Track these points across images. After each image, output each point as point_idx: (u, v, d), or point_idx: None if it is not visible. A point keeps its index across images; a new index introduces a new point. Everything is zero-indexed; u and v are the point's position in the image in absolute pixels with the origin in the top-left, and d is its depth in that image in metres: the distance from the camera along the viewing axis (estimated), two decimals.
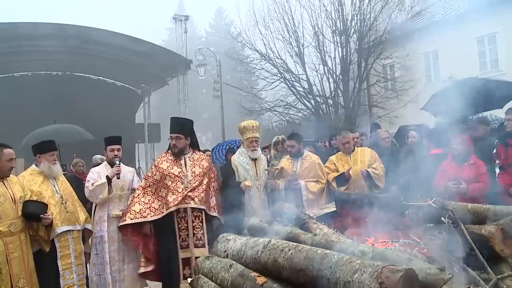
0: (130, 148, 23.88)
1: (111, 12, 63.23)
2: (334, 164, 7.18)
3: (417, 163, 5.88)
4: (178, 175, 5.73)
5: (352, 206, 4.26)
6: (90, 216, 6.00)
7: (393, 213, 3.92)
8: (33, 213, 4.85)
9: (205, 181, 5.81)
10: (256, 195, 6.07)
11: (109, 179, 5.86)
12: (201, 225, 5.64)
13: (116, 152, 6.05)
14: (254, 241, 3.45)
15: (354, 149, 7.24)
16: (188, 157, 5.91)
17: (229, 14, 47.02)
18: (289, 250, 3.04)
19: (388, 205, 4.04)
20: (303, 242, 3.39)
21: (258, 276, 3.09)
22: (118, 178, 5.96)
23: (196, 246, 5.58)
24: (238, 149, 6.44)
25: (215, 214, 5.83)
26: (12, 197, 4.76)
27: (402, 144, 7.86)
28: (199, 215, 5.66)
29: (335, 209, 4.90)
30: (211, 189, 5.98)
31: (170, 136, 5.88)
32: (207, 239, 5.58)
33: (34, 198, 5.10)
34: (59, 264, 5.29)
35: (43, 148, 5.55)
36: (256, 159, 6.26)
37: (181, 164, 5.83)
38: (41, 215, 4.89)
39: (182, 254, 5.55)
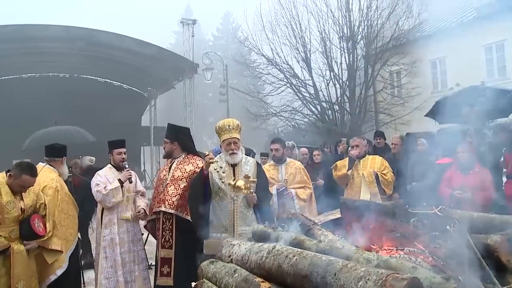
0: (135, 151, 23.99)
1: (118, 15, 63.51)
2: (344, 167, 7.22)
3: (424, 171, 5.87)
4: (162, 178, 5.87)
5: (358, 213, 4.24)
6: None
7: (398, 221, 3.90)
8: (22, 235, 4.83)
9: (183, 185, 5.69)
10: (229, 208, 5.16)
11: (121, 183, 5.93)
12: (170, 227, 5.67)
13: (123, 156, 6.11)
14: (259, 247, 3.44)
15: (365, 155, 7.23)
16: (177, 161, 5.91)
17: (236, 18, 47.28)
18: (294, 256, 3.03)
19: (393, 213, 4.02)
20: (307, 249, 3.37)
21: (262, 281, 3.08)
22: (131, 182, 6.12)
23: (163, 247, 5.67)
24: (219, 154, 5.62)
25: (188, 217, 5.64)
26: (22, 207, 4.75)
27: (409, 151, 7.83)
28: (170, 218, 5.68)
29: (340, 215, 4.88)
30: None
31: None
32: (175, 242, 5.64)
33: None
34: None
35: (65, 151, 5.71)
36: (235, 165, 5.31)
37: (168, 168, 5.93)
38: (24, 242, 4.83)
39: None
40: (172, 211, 5.63)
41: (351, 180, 7.09)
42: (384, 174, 6.98)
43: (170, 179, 5.74)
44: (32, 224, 4.82)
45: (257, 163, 5.54)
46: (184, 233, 5.57)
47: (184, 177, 5.72)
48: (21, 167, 4.70)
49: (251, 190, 5.04)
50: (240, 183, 4.98)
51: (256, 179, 5.20)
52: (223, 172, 5.24)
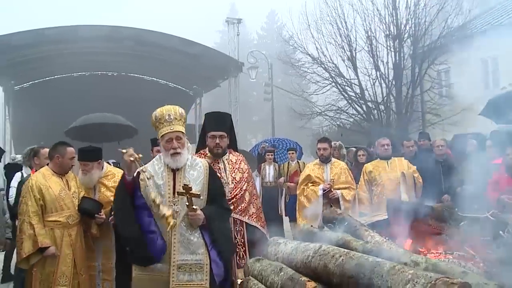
0: None
1: (165, 15, 64.59)
2: (370, 173, 7.11)
3: (475, 173, 5.70)
4: None
5: (405, 214, 4.18)
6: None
7: (448, 224, 3.83)
8: (89, 210, 5.02)
9: (244, 187, 4.93)
10: (166, 229, 3.86)
11: None
12: (243, 241, 4.84)
13: None
14: (305, 246, 3.46)
15: (391, 157, 7.17)
16: (226, 159, 5.02)
17: (281, 17, 47.10)
18: (340, 256, 3.03)
19: (442, 215, 3.95)
20: (354, 249, 3.36)
21: (308, 281, 3.09)
22: None
23: (238, 267, 4.76)
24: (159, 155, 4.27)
25: (254, 223, 4.93)
26: (69, 191, 4.98)
27: (457, 153, 7.65)
28: (241, 230, 4.85)
29: (386, 217, 4.83)
30: (251, 195, 5.04)
31: (212, 135, 4.95)
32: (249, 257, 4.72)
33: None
34: None
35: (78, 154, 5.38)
36: (177, 169, 4.07)
37: (219, 168, 4.91)
38: (96, 215, 5.06)
39: None
40: (246, 220, 4.89)
41: (376, 183, 7.04)
42: (417, 178, 6.92)
43: (232, 182, 4.91)
44: (90, 197, 5.12)
45: (210, 167, 4.28)
46: (255, 244, 4.73)
47: (245, 178, 5.00)
48: (60, 144, 5.04)
49: (195, 207, 3.85)
50: (167, 212, 3.76)
51: (200, 193, 3.90)
52: (161, 178, 4.05)
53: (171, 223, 3.70)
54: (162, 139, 4.04)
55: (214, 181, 4.19)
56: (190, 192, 3.76)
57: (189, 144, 4.38)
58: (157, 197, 3.80)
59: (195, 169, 4.12)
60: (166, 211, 3.72)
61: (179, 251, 3.90)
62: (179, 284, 3.85)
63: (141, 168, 3.96)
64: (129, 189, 3.93)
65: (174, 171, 4.05)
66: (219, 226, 4.05)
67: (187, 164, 4.09)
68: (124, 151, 3.91)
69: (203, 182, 4.08)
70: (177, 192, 3.92)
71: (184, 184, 3.81)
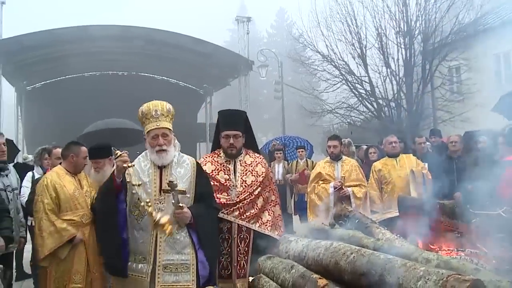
0: (191, 147, 24.44)
1: (174, 13, 64.77)
2: (379, 171, 7.07)
3: (487, 169, 5.66)
4: (224, 184, 4.59)
5: (416, 211, 4.17)
6: None
7: (459, 221, 3.81)
8: None
9: (256, 192, 4.61)
10: (152, 228, 3.74)
11: None
12: (246, 250, 4.52)
13: None
14: (316, 243, 3.46)
15: (399, 154, 7.15)
16: (240, 160, 4.72)
17: (291, 15, 46.95)
18: (351, 253, 3.03)
19: (454, 212, 3.93)
20: (365, 246, 3.36)
21: (320, 278, 3.09)
22: None
23: (238, 276, 4.50)
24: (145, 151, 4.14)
25: (268, 232, 4.58)
26: (82, 190, 5.03)
27: (469, 150, 7.59)
28: (247, 238, 4.53)
29: (397, 214, 4.82)
30: (266, 201, 4.73)
31: (226, 135, 4.65)
32: (249, 269, 4.46)
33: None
34: None
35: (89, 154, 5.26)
36: (164, 166, 3.96)
37: (229, 170, 4.67)
38: None
39: (220, 285, 4.48)
40: (253, 227, 4.55)
41: (386, 181, 7.01)
42: (427, 175, 6.90)
43: (241, 185, 4.61)
44: None
45: (198, 165, 4.14)
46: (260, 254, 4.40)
47: (259, 182, 4.66)
48: (73, 144, 5.08)
49: (182, 205, 3.70)
50: (164, 219, 3.55)
51: (185, 190, 3.79)
52: (147, 175, 3.92)
53: (168, 230, 3.54)
54: (148, 135, 3.93)
55: (201, 179, 4.07)
56: (176, 189, 3.65)
57: (176, 141, 4.41)
58: (149, 206, 3.61)
59: (182, 166, 4.01)
60: (163, 219, 3.55)
61: (164, 251, 3.80)
62: (164, 285, 3.76)
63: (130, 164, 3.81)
64: (117, 190, 3.83)
65: (161, 168, 3.94)
66: (206, 225, 3.93)
67: (174, 161, 3.98)
68: (118, 153, 3.82)
69: (190, 180, 3.98)
70: (162, 190, 3.80)
71: (169, 181, 3.67)
